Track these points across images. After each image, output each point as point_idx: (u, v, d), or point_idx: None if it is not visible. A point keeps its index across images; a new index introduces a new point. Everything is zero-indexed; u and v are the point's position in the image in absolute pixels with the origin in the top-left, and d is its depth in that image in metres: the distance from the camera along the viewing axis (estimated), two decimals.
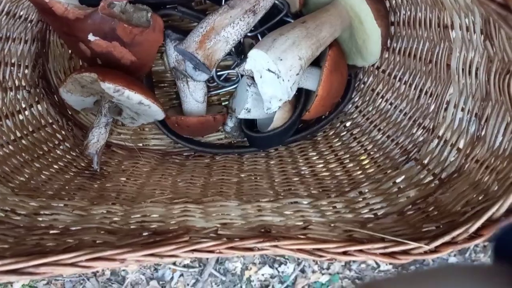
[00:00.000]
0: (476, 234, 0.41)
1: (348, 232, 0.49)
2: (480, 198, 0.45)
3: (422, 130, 0.61)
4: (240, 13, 0.64)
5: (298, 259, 0.83)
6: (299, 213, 0.55)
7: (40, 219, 0.51)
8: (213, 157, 0.77)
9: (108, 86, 0.61)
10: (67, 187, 0.61)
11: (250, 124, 0.76)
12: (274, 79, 0.61)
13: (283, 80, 0.60)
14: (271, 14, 0.68)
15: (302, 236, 0.47)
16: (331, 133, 0.76)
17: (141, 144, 0.79)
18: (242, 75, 0.74)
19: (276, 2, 0.68)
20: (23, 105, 0.68)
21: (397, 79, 0.68)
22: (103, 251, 0.42)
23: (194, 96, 0.73)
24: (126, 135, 0.79)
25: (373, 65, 0.73)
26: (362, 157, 0.66)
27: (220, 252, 0.46)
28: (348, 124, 0.75)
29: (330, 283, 0.88)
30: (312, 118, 0.73)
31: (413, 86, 0.65)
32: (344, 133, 0.74)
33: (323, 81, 0.65)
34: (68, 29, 0.64)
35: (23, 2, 0.64)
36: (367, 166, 0.64)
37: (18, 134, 0.64)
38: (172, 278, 0.86)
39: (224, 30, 0.63)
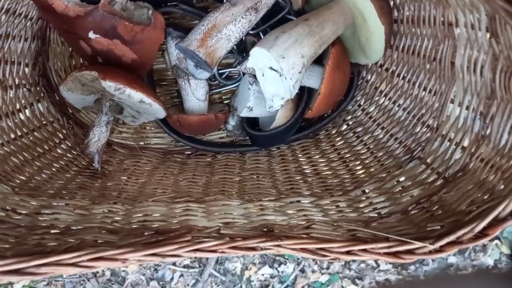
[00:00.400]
0: (482, 234, 0.41)
1: (351, 232, 0.48)
2: (485, 198, 0.45)
3: (425, 128, 0.60)
4: (242, 10, 0.63)
5: (298, 259, 0.83)
6: (302, 212, 0.54)
7: (41, 218, 0.50)
8: (214, 155, 0.76)
9: (109, 85, 0.60)
10: (68, 186, 0.60)
11: (252, 123, 0.76)
12: (276, 77, 0.60)
13: (285, 78, 0.60)
14: (273, 11, 0.67)
15: (305, 236, 0.47)
16: (333, 131, 0.75)
17: (142, 143, 0.79)
18: (244, 73, 0.74)
19: None
20: (23, 104, 0.67)
21: (401, 77, 0.67)
22: (104, 251, 0.41)
23: (195, 94, 0.72)
24: (127, 134, 0.79)
25: (376, 63, 0.72)
26: (365, 156, 0.65)
27: (222, 252, 0.45)
28: (350, 122, 0.74)
29: (330, 282, 0.87)
30: (314, 117, 0.72)
31: (416, 84, 0.64)
32: (347, 131, 0.73)
33: (325, 79, 0.65)
34: (69, 27, 0.64)
35: (23, 0, 0.63)
36: (370, 165, 0.63)
37: (19, 133, 0.64)
38: (172, 279, 0.86)
39: (226, 28, 0.63)
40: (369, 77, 0.74)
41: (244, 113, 0.71)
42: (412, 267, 0.83)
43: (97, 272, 0.80)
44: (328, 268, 0.85)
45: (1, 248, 0.43)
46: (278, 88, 0.61)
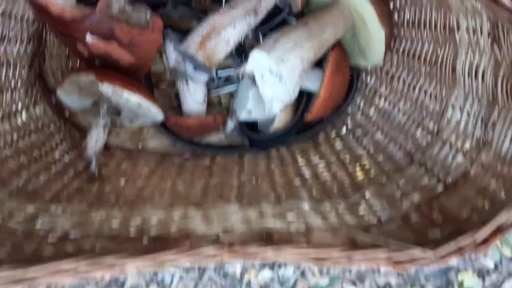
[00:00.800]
0: (483, 242, 0.40)
1: (351, 237, 0.48)
2: (486, 205, 0.44)
3: (425, 133, 0.60)
4: (241, 13, 0.63)
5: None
6: (301, 217, 0.53)
7: (38, 224, 0.50)
8: (213, 158, 0.76)
9: (106, 87, 0.60)
10: (65, 190, 0.60)
11: (250, 125, 0.75)
12: (275, 80, 0.60)
13: (285, 82, 0.59)
14: (272, 14, 0.67)
15: (304, 242, 0.47)
16: (332, 134, 0.75)
17: (139, 146, 0.78)
18: (243, 76, 0.73)
19: (278, 2, 0.67)
20: (20, 107, 0.67)
21: (400, 80, 0.67)
22: (103, 258, 0.41)
23: (194, 96, 0.72)
24: (124, 137, 0.78)
25: (376, 67, 0.72)
26: (365, 160, 0.65)
27: (221, 259, 0.45)
28: (350, 125, 0.74)
29: (330, 285, 0.87)
30: (313, 120, 0.72)
31: (416, 88, 0.64)
32: (346, 134, 0.73)
33: (325, 83, 0.64)
34: (65, 29, 0.63)
35: (18, 1, 0.63)
36: (370, 169, 0.63)
37: (15, 136, 0.63)
38: (171, 282, 0.85)
39: (225, 30, 0.62)
40: (368, 80, 0.74)
41: (243, 116, 0.71)
42: (412, 270, 0.83)
43: None
44: (328, 271, 0.84)
45: None
46: (278, 92, 0.61)
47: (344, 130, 0.74)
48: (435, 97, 0.60)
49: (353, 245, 0.46)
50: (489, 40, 0.48)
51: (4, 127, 0.62)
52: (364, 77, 0.75)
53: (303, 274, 0.84)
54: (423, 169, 0.57)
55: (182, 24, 0.75)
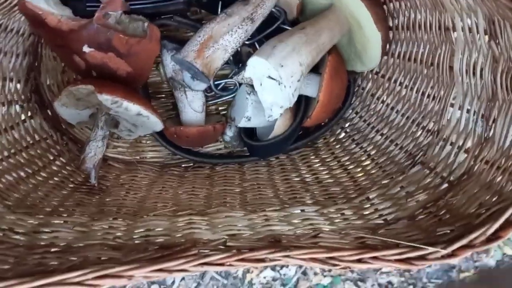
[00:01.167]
0: (494, 236, 0.40)
1: (360, 239, 0.47)
2: (494, 200, 0.44)
3: (426, 133, 0.60)
4: (238, 21, 0.63)
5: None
6: (307, 221, 0.53)
7: (40, 237, 0.49)
8: (213, 167, 0.75)
9: (105, 98, 0.59)
10: (65, 203, 0.59)
11: (249, 133, 0.75)
12: (275, 86, 0.60)
13: (284, 87, 0.59)
14: (268, 22, 0.67)
15: (313, 245, 0.46)
16: (332, 139, 0.75)
17: (138, 157, 0.78)
18: (240, 84, 0.73)
19: (273, 10, 0.68)
20: (16, 121, 0.66)
21: (398, 83, 0.68)
22: (110, 268, 0.40)
23: (192, 106, 0.72)
24: (122, 148, 0.77)
25: (372, 71, 0.72)
26: (367, 162, 0.65)
27: (230, 265, 0.44)
28: (348, 129, 0.74)
29: (332, 285, 0.86)
30: (313, 125, 0.72)
31: (414, 90, 0.64)
32: (346, 139, 0.73)
33: (323, 87, 0.65)
34: (62, 41, 0.63)
35: (14, 15, 0.62)
36: (372, 171, 0.63)
37: (12, 150, 0.62)
38: (173, 282, 0.84)
39: (222, 38, 0.62)
40: (365, 84, 0.75)
41: (242, 123, 0.71)
42: (414, 269, 0.82)
43: None
44: (330, 270, 0.84)
45: (1, 270, 0.41)
46: (277, 97, 0.61)
47: (343, 134, 0.74)
48: (434, 97, 0.60)
49: (363, 246, 0.46)
50: (486, 37, 0.49)
51: (1, 141, 0.61)
52: (361, 82, 0.75)
53: (305, 273, 0.83)
54: (426, 169, 0.57)
55: (179, 33, 0.76)
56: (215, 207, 0.58)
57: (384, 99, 0.70)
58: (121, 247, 0.47)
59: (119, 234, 0.51)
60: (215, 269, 0.44)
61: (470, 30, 0.51)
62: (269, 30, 0.68)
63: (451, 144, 0.56)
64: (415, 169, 0.58)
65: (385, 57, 0.69)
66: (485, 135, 0.51)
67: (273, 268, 0.84)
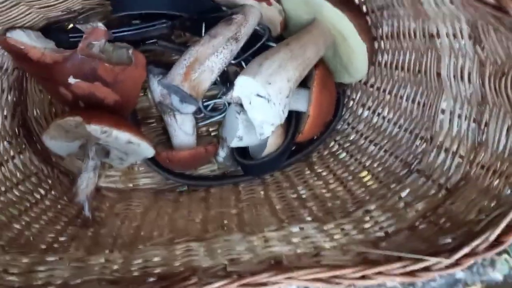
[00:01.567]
0: (497, 242, 0.40)
1: (362, 254, 0.47)
2: (493, 205, 0.44)
3: (420, 141, 0.60)
4: (222, 41, 0.63)
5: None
6: (307, 239, 0.52)
7: (36, 276, 0.47)
8: (207, 189, 0.74)
9: (94, 128, 0.59)
10: (60, 239, 0.57)
11: (242, 152, 0.75)
12: (264, 103, 0.60)
13: (274, 104, 0.59)
14: (253, 40, 0.67)
15: (315, 264, 0.45)
16: (325, 152, 0.75)
17: (131, 185, 0.77)
18: (229, 103, 0.73)
19: (257, 28, 0.68)
20: (5, 157, 0.65)
21: (387, 92, 0.68)
22: None
23: (183, 129, 0.71)
24: (115, 177, 0.76)
25: (360, 81, 0.72)
26: (363, 174, 0.64)
27: None
28: (342, 142, 0.74)
29: None
30: (305, 140, 0.71)
31: (404, 98, 0.64)
32: (340, 151, 0.73)
33: (313, 101, 0.65)
34: (47, 74, 0.62)
35: None
36: (369, 183, 0.62)
37: (3, 188, 0.61)
38: None
39: (208, 60, 0.62)
40: (355, 95, 0.74)
41: (234, 143, 0.70)
42: (419, 283, 0.81)
43: None
44: None
45: None
46: (267, 115, 0.61)
47: (336, 147, 0.74)
48: (424, 104, 0.60)
49: (366, 261, 0.45)
50: (471, 42, 0.49)
51: None
52: (350, 93, 0.75)
53: None
54: (423, 177, 0.57)
55: (165, 58, 0.75)
56: (212, 232, 0.57)
57: (375, 108, 0.70)
58: (119, 281, 0.46)
59: (116, 267, 0.49)
60: None
61: (454, 35, 0.51)
62: (255, 48, 0.68)
63: (446, 150, 0.56)
64: (412, 178, 0.58)
65: (372, 67, 0.69)
66: (479, 140, 0.51)
67: None
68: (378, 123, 0.68)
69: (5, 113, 0.66)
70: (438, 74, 0.56)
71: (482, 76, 0.49)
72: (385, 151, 0.65)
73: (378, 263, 0.43)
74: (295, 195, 0.66)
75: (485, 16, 0.40)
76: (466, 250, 0.41)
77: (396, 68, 0.65)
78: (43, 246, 0.55)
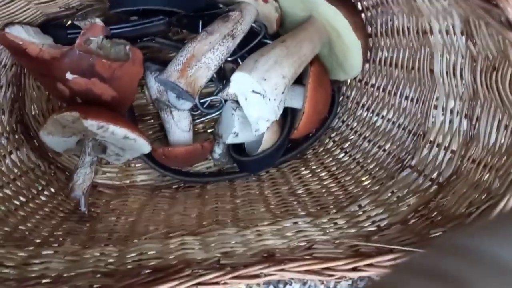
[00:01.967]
0: None
1: (354, 247, 0.47)
2: (483, 197, 0.44)
3: (412, 136, 0.61)
4: (219, 38, 0.63)
5: (304, 279, 0.80)
6: (300, 233, 0.53)
7: (31, 269, 0.48)
8: (203, 186, 0.75)
9: (91, 123, 0.59)
10: (55, 233, 0.58)
11: (238, 149, 0.75)
12: (260, 100, 0.60)
13: (269, 100, 0.59)
14: (249, 37, 0.68)
15: (308, 257, 0.46)
16: (320, 149, 0.75)
17: (128, 181, 0.77)
18: (226, 100, 0.74)
19: (253, 25, 0.68)
20: (2, 153, 0.65)
21: (381, 89, 0.68)
22: None
23: (179, 125, 0.72)
24: (111, 174, 0.77)
25: (355, 78, 0.73)
26: (356, 170, 0.65)
27: (225, 283, 0.44)
28: (336, 139, 0.74)
29: None
30: (300, 136, 0.72)
31: (398, 95, 0.65)
32: (334, 148, 0.73)
33: (308, 98, 0.65)
34: (45, 70, 0.63)
35: None
36: (363, 179, 0.63)
37: (0, 183, 0.62)
38: None
39: (204, 57, 0.63)
40: (349, 92, 0.75)
41: (230, 140, 0.71)
42: None
43: None
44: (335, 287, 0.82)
45: None
46: (263, 111, 0.61)
47: (331, 144, 0.74)
48: (417, 100, 0.61)
49: (357, 254, 0.45)
50: (463, 38, 0.49)
51: None
52: (345, 90, 0.76)
53: None
54: (415, 172, 0.57)
55: (162, 55, 0.76)
56: (207, 226, 0.57)
57: (369, 105, 0.70)
58: (113, 273, 0.46)
59: (111, 260, 0.50)
60: None
61: (447, 32, 0.52)
62: (251, 45, 0.68)
63: (438, 145, 0.56)
64: (405, 173, 0.58)
65: (367, 64, 0.70)
66: (470, 134, 0.51)
67: (275, 287, 0.83)
68: (372, 120, 0.69)
69: (3, 109, 0.67)
70: (431, 71, 0.57)
71: (474, 72, 0.49)
72: (379, 147, 0.65)
73: (370, 256, 0.43)
74: (289, 191, 0.67)
75: (476, 11, 0.40)
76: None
77: (390, 65, 0.65)
78: (39, 240, 0.55)
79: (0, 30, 0.60)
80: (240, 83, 0.61)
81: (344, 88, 0.76)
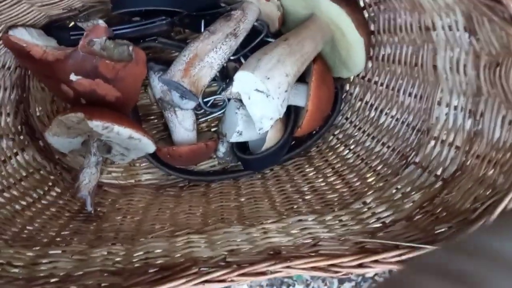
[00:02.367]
0: None
1: (359, 244, 0.47)
2: (488, 193, 0.45)
3: (416, 133, 0.61)
4: (221, 37, 0.64)
5: (307, 280, 0.80)
6: (306, 230, 0.53)
7: (39, 268, 0.48)
8: (208, 185, 0.75)
9: (96, 124, 0.60)
10: (62, 233, 0.58)
11: (242, 147, 0.75)
12: (263, 98, 0.60)
13: (272, 98, 0.60)
14: (251, 36, 0.68)
15: (313, 254, 0.46)
16: (324, 147, 0.75)
17: (133, 181, 0.77)
18: (229, 99, 0.74)
19: (256, 23, 0.68)
20: (8, 154, 0.66)
21: (384, 86, 0.68)
22: None
23: (183, 125, 0.72)
24: (117, 173, 0.77)
25: (358, 75, 0.73)
26: (361, 167, 0.65)
27: (232, 281, 0.44)
28: (340, 136, 0.74)
29: None
30: (304, 134, 0.72)
31: (401, 91, 0.65)
32: (338, 145, 0.73)
33: (311, 96, 0.65)
34: (49, 72, 0.63)
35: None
36: (367, 176, 0.63)
37: (6, 184, 0.62)
38: None
39: (207, 56, 0.63)
40: (352, 90, 0.75)
41: (234, 138, 0.71)
42: None
43: None
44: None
45: None
46: (266, 109, 0.61)
47: (335, 141, 0.75)
48: (421, 96, 0.61)
49: (363, 250, 0.46)
50: (466, 34, 0.49)
51: None
52: (348, 87, 0.76)
53: None
54: (419, 169, 0.57)
55: (165, 55, 0.76)
56: (212, 224, 0.57)
57: (373, 102, 0.70)
58: (121, 272, 0.47)
59: (118, 259, 0.50)
60: (217, 286, 0.44)
61: (450, 28, 0.52)
62: (253, 43, 0.69)
63: (442, 141, 0.56)
64: (409, 170, 0.59)
65: (370, 61, 0.70)
66: (474, 130, 0.51)
67: None
68: (375, 117, 0.69)
69: (8, 110, 0.67)
70: (434, 67, 0.57)
71: (477, 68, 0.49)
72: (383, 143, 0.65)
73: (375, 252, 0.44)
74: (294, 189, 0.67)
75: (479, 7, 0.41)
76: (462, 238, 0.41)
77: (394, 61, 0.65)
78: (46, 240, 0.56)
79: (4, 33, 0.60)
80: (243, 82, 0.61)
81: (348, 85, 0.76)
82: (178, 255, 0.50)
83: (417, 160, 0.59)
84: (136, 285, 0.43)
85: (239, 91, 0.63)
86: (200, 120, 0.78)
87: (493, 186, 0.44)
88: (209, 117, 0.78)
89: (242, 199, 0.67)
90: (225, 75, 0.74)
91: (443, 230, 0.45)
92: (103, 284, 0.44)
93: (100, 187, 0.74)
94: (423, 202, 0.52)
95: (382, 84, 0.69)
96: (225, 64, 0.70)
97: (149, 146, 0.68)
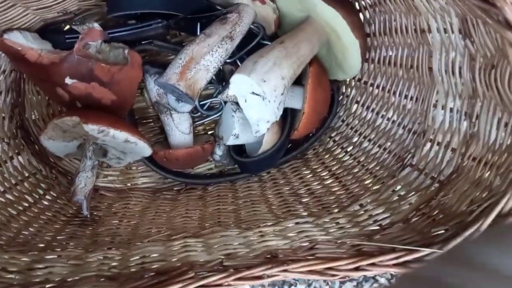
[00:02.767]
0: None
1: (356, 247, 0.47)
2: (484, 195, 0.45)
3: (412, 135, 0.61)
4: (217, 40, 0.64)
5: (309, 280, 0.80)
6: (303, 233, 0.53)
7: (35, 274, 0.48)
8: (205, 188, 0.75)
9: (92, 128, 0.59)
10: (58, 238, 0.58)
11: (239, 150, 0.75)
12: (259, 101, 0.60)
13: (269, 101, 0.60)
14: (247, 38, 0.68)
15: (310, 257, 0.46)
16: (321, 149, 0.75)
17: (129, 184, 0.77)
18: (225, 102, 0.74)
19: (252, 26, 0.68)
20: (3, 158, 0.65)
21: (380, 88, 0.68)
22: None
23: (179, 128, 0.72)
24: (113, 177, 0.77)
25: (354, 78, 0.73)
26: (357, 169, 0.65)
27: (228, 285, 0.44)
28: (337, 138, 0.74)
29: None
30: (300, 137, 0.72)
31: (397, 94, 0.65)
32: (335, 148, 0.73)
33: (308, 98, 0.65)
34: (44, 75, 0.63)
35: None
36: (364, 178, 0.63)
37: (1, 189, 0.62)
38: None
39: (203, 59, 0.63)
40: (349, 92, 0.75)
41: (231, 141, 0.71)
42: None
43: None
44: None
45: None
46: (262, 112, 0.61)
47: (331, 143, 0.75)
48: (416, 99, 0.61)
49: (360, 253, 0.45)
50: (461, 36, 0.50)
51: None
52: (344, 89, 0.76)
53: None
54: (416, 171, 0.57)
55: (160, 58, 0.76)
56: (209, 228, 0.57)
57: (369, 105, 0.70)
58: (117, 277, 0.47)
59: (114, 263, 0.50)
60: None
61: (445, 30, 0.52)
62: (249, 46, 0.69)
63: (438, 144, 0.56)
64: (405, 172, 0.59)
65: (366, 64, 0.70)
66: (470, 132, 0.51)
67: None
68: (372, 119, 0.69)
69: (3, 114, 0.67)
70: (430, 69, 0.57)
71: (473, 70, 0.49)
72: (379, 146, 0.65)
73: (372, 255, 0.43)
74: (291, 191, 0.67)
75: (473, 10, 0.41)
76: (458, 240, 0.41)
77: (389, 64, 0.65)
78: (42, 245, 0.55)
79: None
80: (240, 85, 0.61)
81: (344, 87, 0.76)
82: (175, 259, 0.49)
83: (413, 162, 0.59)
84: None
85: (236, 94, 0.63)
86: (197, 123, 0.78)
87: (490, 188, 0.44)
88: (205, 120, 0.78)
89: (239, 202, 0.67)
90: (222, 78, 0.74)
91: (439, 232, 0.45)
92: None
93: (96, 191, 0.73)
94: (419, 205, 0.52)
95: (378, 86, 0.69)
96: (221, 67, 0.70)
97: (145, 149, 0.67)
